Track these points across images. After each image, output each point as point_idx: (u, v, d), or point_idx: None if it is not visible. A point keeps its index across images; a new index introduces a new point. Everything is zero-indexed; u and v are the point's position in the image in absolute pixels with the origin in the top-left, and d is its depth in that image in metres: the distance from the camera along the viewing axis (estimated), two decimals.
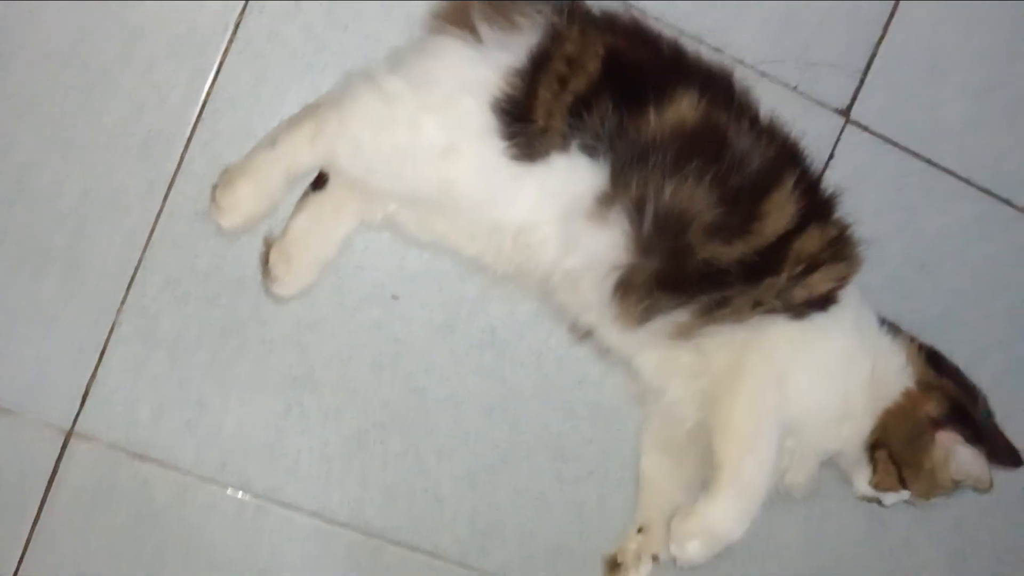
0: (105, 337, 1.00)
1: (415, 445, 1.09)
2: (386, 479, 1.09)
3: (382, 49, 0.98)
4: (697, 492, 1.09)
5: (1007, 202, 1.22)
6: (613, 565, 1.08)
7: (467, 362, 1.09)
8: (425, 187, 0.94)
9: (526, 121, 0.90)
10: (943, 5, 1.15)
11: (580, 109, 0.89)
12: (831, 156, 1.15)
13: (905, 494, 1.01)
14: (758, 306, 0.93)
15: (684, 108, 0.91)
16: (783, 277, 0.92)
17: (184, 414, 1.03)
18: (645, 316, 0.94)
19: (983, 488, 0.98)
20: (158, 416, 1.03)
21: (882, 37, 1.15)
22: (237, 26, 0.99)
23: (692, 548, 0.92)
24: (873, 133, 1.17)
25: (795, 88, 1.13)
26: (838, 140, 1.16)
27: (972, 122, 1.19)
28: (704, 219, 0.91)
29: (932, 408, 0.97)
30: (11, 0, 0.93)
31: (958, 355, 1.06)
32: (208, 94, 0.99)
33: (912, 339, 1.02)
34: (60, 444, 1.01)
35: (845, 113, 1.16)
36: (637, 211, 0.91)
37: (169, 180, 1.00)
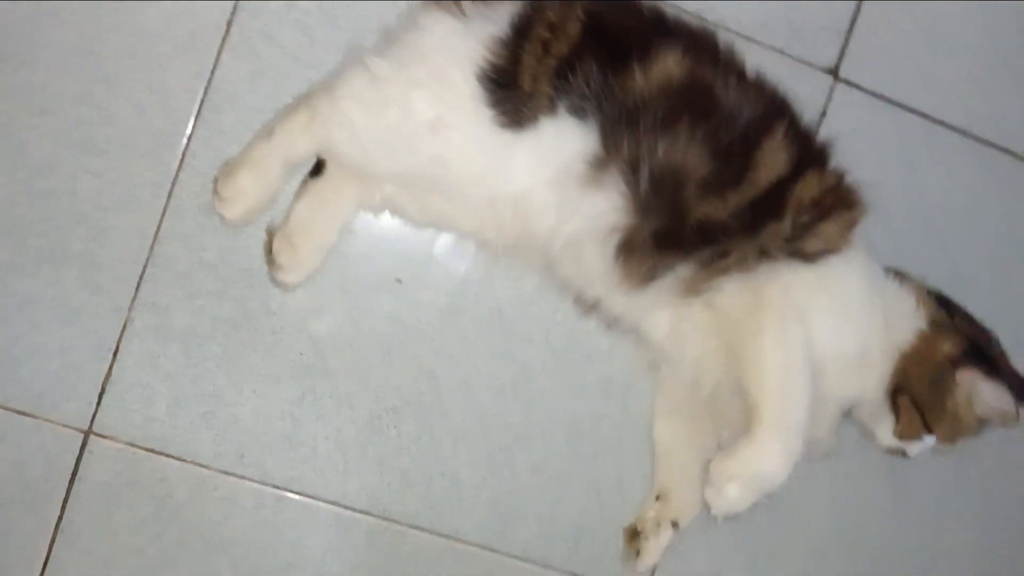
0: (118, 334, 1.03)
1: (429, 429, 1.10)
2: (402, 464, 1.09)
3: (373, 43, 1.01)
4: (712, 454, 1.08)
5: (1009, 152, 1.21)
6: (633, 534, 1.07)
7: (476, 343, 1.10)
8: (419, 164, 0.96)
9: (512, 88, 0.92)
10: None
11: (565, 71, 0.91)
12: (823, 115, 1.16)
13: (930, 441, 0.98)
14: (765, 255, 0.93)
15: (670, 65, 0.93)
16: (786, 223, 0.93)
17: (200, 407, 1.05)
18: (649, 275, 0.95)
19: (1011, 422, 0.96)
20: (174, 411, 1.04)
21: None
22: (230, 25, 1.03)
23: (731, 491, 0.89)
24: (864, 90, 1.17)
25: (781, 51, 1.15)
26: (829, 99, 1.16)
27: (965, 73, 1.19)
28: (699, 175, 0.92)
29: (948, 347, 0.96)
30: (27, 2, 0.98)
31: (971, 308, 1.05)
32: (206, 92, 1.02)
33: (919, 284, 1.01)
34: (80, 444, 1.03)
35: (834, 72, 1.17)
36: (632, 172, 0.92)
37: (173, 177, 1.03)
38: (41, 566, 1.02)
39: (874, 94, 1.17)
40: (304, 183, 1.02)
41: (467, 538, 1.11)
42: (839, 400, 0.98)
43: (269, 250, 1.02)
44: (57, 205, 1.00)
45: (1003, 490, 1.21)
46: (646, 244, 0.94)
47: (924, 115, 1.19)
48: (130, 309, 1.03)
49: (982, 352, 0.96)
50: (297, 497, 1.07)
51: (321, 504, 1.08)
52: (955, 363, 0.96)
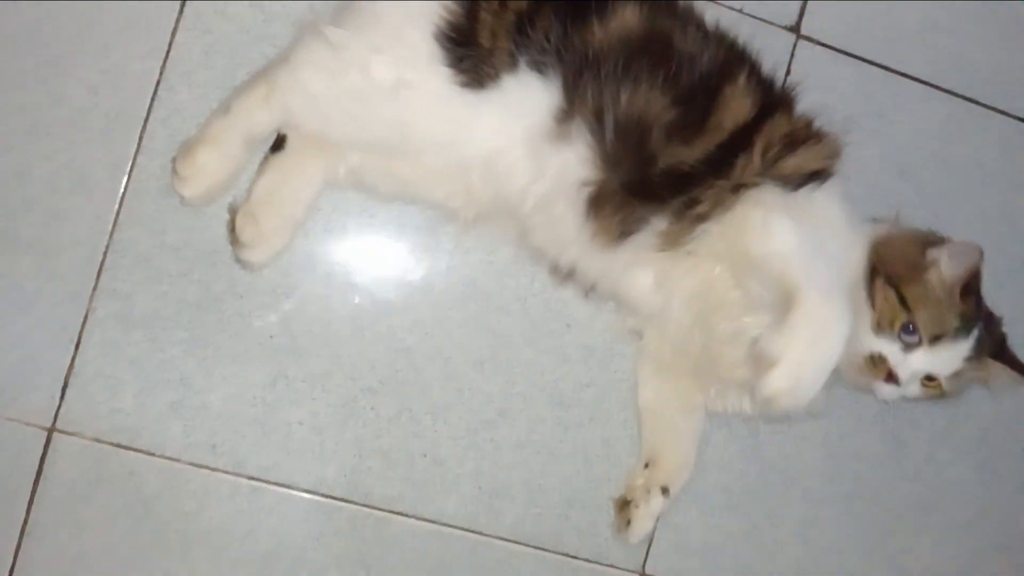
0: (80, 324, 0.99)
1: (408, 407, 1.06)
2: (381, 445, 1.06)
3: (329, 13, 0.99)
4: (699, 417, 1.06)
5: (974, 101, 1.21)
6: (623, 504, 1.04)
7: (451, 316, 1.07)
8: (382, 129, 0.94)
9: (471, 46, 0.90)
10: None
11: (524, 25, 0.90)
12: (787, 73, 1.15)
13: (928, 364, 0.93)
14: (740, 188, 0.91)
15: (628, 17, 0.92)
16: (755, 158, 0.91)
17: (168, 396, 1.01)
18: (623, 229, 0.93)
19: (974, 261, 0.93)
20: (141, 401, 1.00)
21: None
22: (184, 3, 1.01)
23: (791, 371, 0.81)
24: (827, 46, 1.17)
25: (741, 11, 1.14)
26: (792, 56, 1.16)
27: (925, 24, 1.20)
28: (662, 121, 0.91)
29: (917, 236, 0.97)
30: None
31: None
32: (161, 72, 1.01)
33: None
34: (43, 441, 0.99)
35: (795, 29, 1.16)
36: (597, 121, 0.90)
37: (131, 160, 1.00)
38: (8, 570, 0.97)
39: (837, 49, 1.17)
40: (265, 159, 0.99)
41: (453, 521, 1.07)
42: None
43: (232, 229, 0.99)
44: (6, 192, 0.97)
45: (1004, 440, 1.20)
46: (616, 196, 0.92)
47: (887, 68, 1.19)
48: (91, 297, 0.99)
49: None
50: (274, 487, 1.03)
51: (299, 493, 1.04)
52: (925, 245, 0.95)
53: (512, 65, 0.91)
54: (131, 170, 1.00)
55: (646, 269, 0.97)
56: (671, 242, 0.94)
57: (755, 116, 0.93)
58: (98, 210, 0.99)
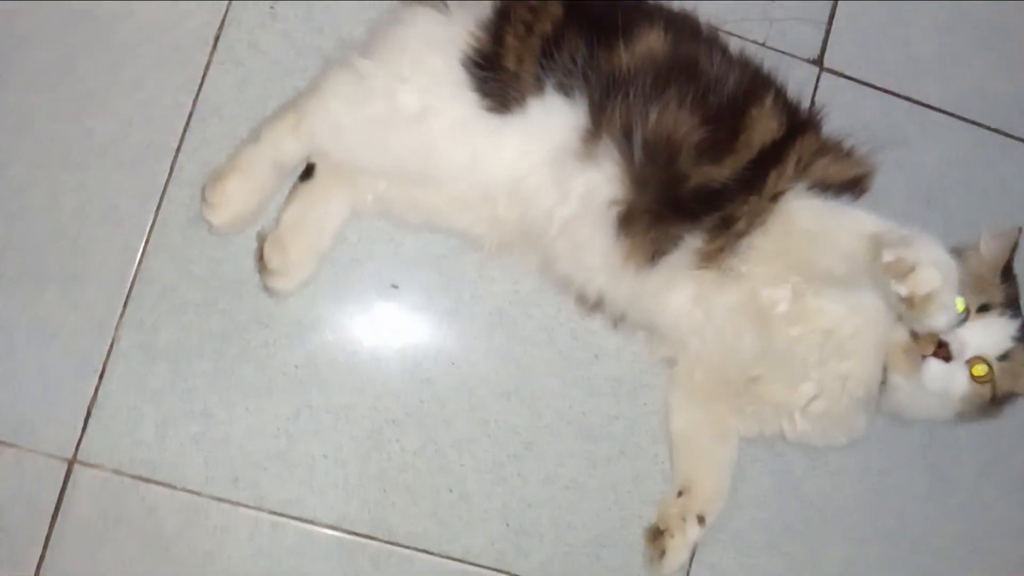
0: (105, 354, 0.98)
1: (433, 439, 1.04)
2: (407, 480, 1.03)
3: (357, 45, 1.01)
4: (733, 440, 1.03)
5: (997, 130, 1.21)
6: (656, 534, 1.00)
7: (476, 346, 1.06)
8: (408, 156, 0.95)
9: (497, 70, 0.91)
10: None
11: (550, 49, 0.91)
12: (812, 104, 1.16)
13: (978, 336, 0.91)
14: (778, 196, 0.91)
15: (653, 41, 0.93)
16: (789, 167, 0.91)
17: (190, 428, 0.99)
18: (656, 248, 0.92)
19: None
20: (163, 433, 0.99)
21: None
22: (217, 39, 1.03)
23: (932, 292, 0.79)
24: (849, 78, 1.18)
25: (764, 44, 1.16)
26: (816, 88, 1.17)
27: (945, 55, 1.20)
28: (692, 140, 0.91)
29: None
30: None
31: None
32: (194, 104, 1.02)
33: None
34: (63, 474, 0.97)
35: (818, 62, 1.17)
36: (626, 140, 0.90)
37: (161, 190, 1.01)
38: None
39: (860, 81, 1.18)
40: (294, 187, 1.00)
41: (480, 560, 1.03)
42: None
43: (260, 256, 0.99)
44: (35, 223, 0.98)
45: None
46: (646, 215, 0.91)
47: (910, 99, 1.19)
48: (117, 327, 0.99)
49: None
50: (296, 523, 1.00)
51: (321, 529, 1.01)
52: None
53: (538, 88, 0.91)
54: (161, 200, 1.01)
55: (682, 288, 0.95)
56: (710, 259, 0.92)
57: (784, 135, 0.93)
58: (127, 240, 1.00)
